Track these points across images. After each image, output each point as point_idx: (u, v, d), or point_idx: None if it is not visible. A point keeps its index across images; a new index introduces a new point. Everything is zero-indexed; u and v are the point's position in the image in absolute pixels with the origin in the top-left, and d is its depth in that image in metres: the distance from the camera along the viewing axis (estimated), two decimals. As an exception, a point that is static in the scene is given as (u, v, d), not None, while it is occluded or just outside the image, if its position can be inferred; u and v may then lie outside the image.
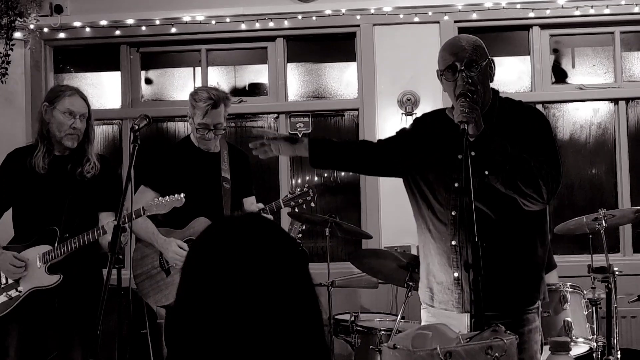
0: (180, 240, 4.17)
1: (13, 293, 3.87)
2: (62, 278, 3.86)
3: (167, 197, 3.85)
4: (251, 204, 4.44)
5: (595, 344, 4.15)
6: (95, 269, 4.03)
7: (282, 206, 4.19)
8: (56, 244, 3.85)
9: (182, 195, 3.83)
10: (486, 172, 2.88)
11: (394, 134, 3.32)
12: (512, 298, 2.98)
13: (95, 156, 4.02)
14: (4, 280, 3.91)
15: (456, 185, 2.98)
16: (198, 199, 4.18)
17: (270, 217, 4.16)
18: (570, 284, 4.21)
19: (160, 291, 4.22)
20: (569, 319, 4.04)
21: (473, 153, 2.79)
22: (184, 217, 4.19)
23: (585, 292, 4.29)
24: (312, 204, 4.24)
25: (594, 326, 4.19)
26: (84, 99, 4.00)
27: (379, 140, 3.31)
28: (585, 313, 4.18)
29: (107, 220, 3.93)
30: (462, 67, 2.93)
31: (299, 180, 6.34)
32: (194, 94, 4.26)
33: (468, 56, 2.94)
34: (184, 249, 4.13)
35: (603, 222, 4.37)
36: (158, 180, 4.28)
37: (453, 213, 2.96)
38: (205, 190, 4.26)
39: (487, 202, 2.90)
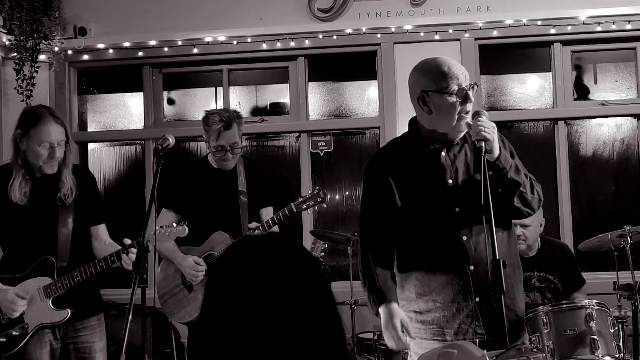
0: (199, 255, 4.23)
1: (19, 330, 3.62)
2: (70, 314, 3.64)
3: (172, 227, 3.70)
4: (267, 214, 4.41)
5: (622, 362, 4.09)
6: (93, 287, 3.82)
7: (295, 210, 4.16)
8: (55, 276, 3.64)
9: (184, 225, 3.71)
10: (500, 190, 2.90)
11: (377, 209, 3.13)
12: (519, 313, 3.08)
13: (71, 179, 3.74)
14: (6, 316, 3.63)
15: (457, 209, 2.97)
16: (217, 216, 4.26)
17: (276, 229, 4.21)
18: (596, 301, 4.15)
19: (183, 308, 4.26)
20: (595, 337, 3.99)
21: (491, 172, 2.80)
22: (205, 235, 4.26)
23: (611, 309, 4.23)
24: (324, 205, 4.24)
25: (621, 344, 4.14)
26: (61, 123, 3.69)
27: (380, 235, 3.12)
28: (612, 331, 4.12)
29: (102, 232, 3.86)
30: (470, 89, 2.95)
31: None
32: (206, 119, 4.27)
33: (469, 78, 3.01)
34: (200, 264, 4.19)
35: (628, 238, 4.33)
36: (178, 203, 4.33)
37: (464, 238, 2.95)
38: (223, 208, 4.30)
39: (496, 220, 2.92)
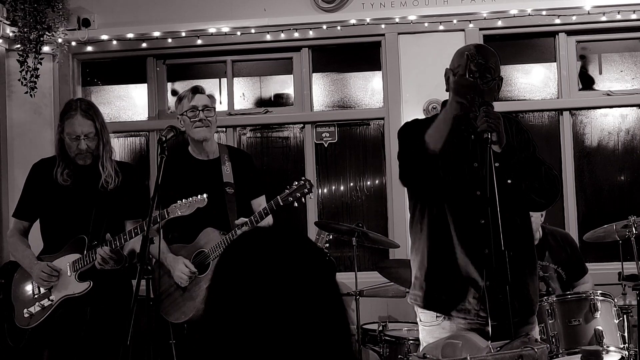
0: (190, 253, 4.11)
1: (46, 302, 3.89)
2: (92, 285, 3.86)
3: (190, 198, 3.77)
4: (259, 205, 4.28)
5: (627, 352, 4.10)
6: (124, 278, 4.04)
7: (281, 203, 3.99)
8: (85, 252, 3.87)
9: (204, 195, 3.76)
10: (509, 181, 2.90)
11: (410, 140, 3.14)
12: (529, 301, 3.06)
13: (113, 170, 4.01)
14: (37, 291, 3.94)
15: (478, 193, 2.97)
16: (202, 208, 3.98)
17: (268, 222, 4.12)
18: (600, 292, 4.17)
19: (179, 308, 4.12)
20: (599, 328, 3.99)
21: (497, 164, 2.80)
22: (192, 230, 4.14)
23: (616, 300, 4.24)
24: (310, 196, 4.09)
25: (625, 334, 4.14)
26: (90, 117, 3.93)
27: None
28: (616, 321, 4.13)
29: (129, 227, 3.95)
30: (495, 77, 2.96)
31: (325, 190, 6.34)
32: (178, 95, 4.41)
33: (497, 66, 3.00)
34: (190, 268, 4.06)
35: (633, 229, 4.34)
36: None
37: (482, 221, 2.95)
38: (208, 199, 4.02)
39: (509, 210, 2.92)
